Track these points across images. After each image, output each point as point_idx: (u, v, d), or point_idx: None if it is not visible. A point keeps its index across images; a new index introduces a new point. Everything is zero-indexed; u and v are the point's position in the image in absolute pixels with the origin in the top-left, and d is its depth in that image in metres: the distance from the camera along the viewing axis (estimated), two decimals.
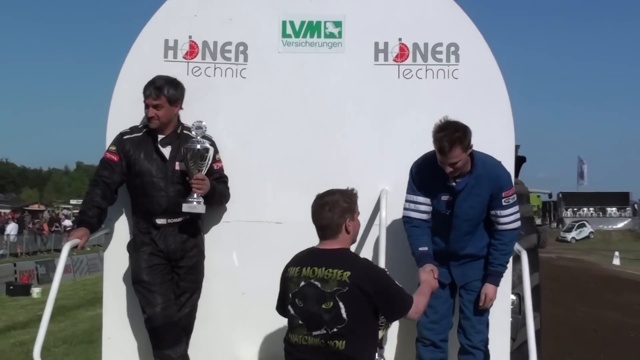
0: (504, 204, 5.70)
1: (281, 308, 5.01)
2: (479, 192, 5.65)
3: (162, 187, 5.99)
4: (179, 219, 6.03)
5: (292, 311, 4.77)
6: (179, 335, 6.01)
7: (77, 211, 73.77)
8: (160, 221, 6.02)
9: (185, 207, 5.87)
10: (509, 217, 5.75)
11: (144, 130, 6.13)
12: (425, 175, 5.73)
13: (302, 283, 4.71)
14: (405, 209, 5.82)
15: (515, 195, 5.80)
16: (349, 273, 4.62)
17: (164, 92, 5.95)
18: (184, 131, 6.06)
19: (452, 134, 5.41)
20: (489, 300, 5.78)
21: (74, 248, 5.80)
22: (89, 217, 5.98)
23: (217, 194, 6.06)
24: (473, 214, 5.72)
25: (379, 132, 6.28)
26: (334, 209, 4.79)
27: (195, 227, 6.12)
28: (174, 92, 6.00)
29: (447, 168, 5.51)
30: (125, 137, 6.12)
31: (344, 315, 4.60)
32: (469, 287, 5.85)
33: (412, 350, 5.97)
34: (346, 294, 4.60)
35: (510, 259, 6.04)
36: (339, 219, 4.79)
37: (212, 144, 6.04)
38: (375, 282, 4.69)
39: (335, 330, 4.60)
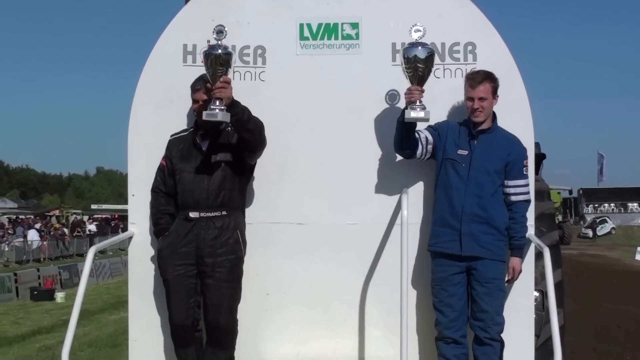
0: (524, 172, 6.03)
1: None
2: (496, 148, 5.97)
3: (196, 180, 6.01)
4: (213, 214, 5.99)
5: None
6: (189, 339, 6.05)
7: (96, 215, 74.47)
8: (193, 214, 6.00)
9: (205, 115, 5.71)
10: (526, 188, 6.05)
11: (191, 128, 6.20)
12: (452, 127, 6.08)
13: None
14: None
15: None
16: None
17: None
18: (227, 128, 6.04)
19: (484, 71, 6.01)
20: (517, 273, 5.96)
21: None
22: (164, 224, 6.13)
23: (247, 112, 5.82)
24: (489, 167, 5.94)
25: None
26: None
27: (229, 225, 6.03)
28: None
29: (475, 103, 5.90)
30: (171, 138, 6.24)
31: None
32: (481, 277, 5.91)
33: (433, 348, 6.05)
34: None
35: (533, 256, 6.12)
36: None
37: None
38: None
39: None
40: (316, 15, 6.38)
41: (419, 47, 5.70)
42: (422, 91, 5.74)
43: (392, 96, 6.32)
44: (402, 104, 6.10)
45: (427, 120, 5.85)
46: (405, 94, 5.81)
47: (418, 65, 5.70)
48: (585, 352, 12.82)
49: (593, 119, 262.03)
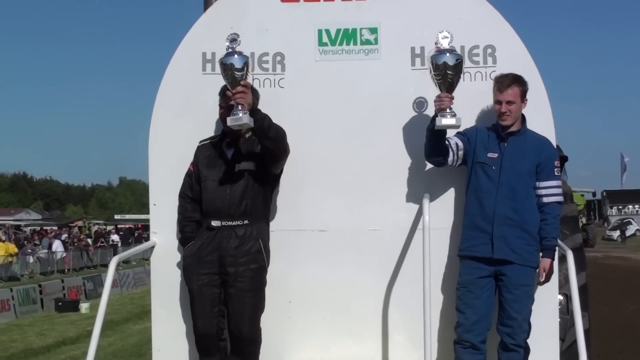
0: (556, 173, 5.96)
1: None
2: (526, 149, 5.92)
3: (219, 189, 6.01)
4: (234, 223, 5.98)
5: None
6: (213, 348, 6.04)
7: (120, 225, 74.85)
8: (215, 223, 6.00)
9: (230, 121, 5.65)
10: (558, 189, 5.96)
11: (219, 136, 6.21)
12: (480, 132, 6.05)
13: None
14: None
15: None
16: None
17: None
18: (253, 137, 6.00)
19: (512, 74, 5.95)
20: (549, 273, 5.88)
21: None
22: (189, 233, 6.15)
23: (268, 120, 5.80)
24: (520, 168, 5.89)
25: (419, 137, 6.21)
26: None
27: (251, 234, 6.00)
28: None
29: (503, 107, 5.86)
30: (199, 145, 6.25)
31: None
32: (510, 283, 5.84)
33: (451, 351, 5.99)
34: None
35: (557, 259, 6.07)
36: None
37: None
38: None
39: None
40: (335, 20, 6.37)
41: (447, 54, 5.65)
42: (452, 98, 5.71)
43: (419, 104, 6.28)
44: (429, 110, 6.08)
45: (458, 127, 5.83)
46: (435, 101, 5.78)
47: (447, 72, 5.66)
48: (611, 355, 12.72)
49: (616, 119, 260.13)
